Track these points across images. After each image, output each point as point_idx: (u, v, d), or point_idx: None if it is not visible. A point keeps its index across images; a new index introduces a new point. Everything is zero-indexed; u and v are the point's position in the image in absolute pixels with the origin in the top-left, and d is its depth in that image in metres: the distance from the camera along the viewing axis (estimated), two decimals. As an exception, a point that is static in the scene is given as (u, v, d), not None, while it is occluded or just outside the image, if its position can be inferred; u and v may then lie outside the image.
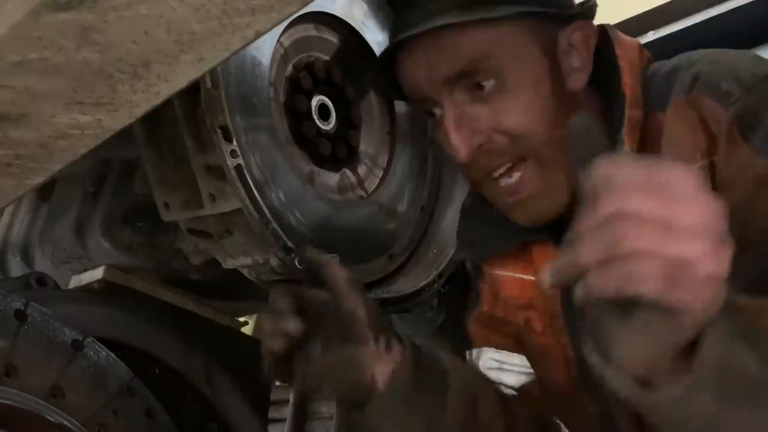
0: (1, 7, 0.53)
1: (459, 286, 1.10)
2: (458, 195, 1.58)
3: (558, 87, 0.90)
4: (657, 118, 0.89)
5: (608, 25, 0.98)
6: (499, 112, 0.88)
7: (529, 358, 1.03)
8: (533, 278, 1.00)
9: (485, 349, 1.06)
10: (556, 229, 0.91)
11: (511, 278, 1.04)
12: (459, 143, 0.89)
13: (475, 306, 1.10)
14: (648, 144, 0.89)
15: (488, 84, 0.88)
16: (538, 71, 0.89)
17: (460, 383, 0.91)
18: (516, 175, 0.90)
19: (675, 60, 0.94)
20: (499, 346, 1.05)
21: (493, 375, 1.03)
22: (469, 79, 0.88)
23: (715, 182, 0.81)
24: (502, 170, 0.91)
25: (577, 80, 0.93)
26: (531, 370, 1.03)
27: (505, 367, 1.03)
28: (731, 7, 1.51)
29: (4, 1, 0.53)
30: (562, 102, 0.90)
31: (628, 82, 0.91)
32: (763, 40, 1.48)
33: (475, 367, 1.03)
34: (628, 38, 0.97)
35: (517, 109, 0.88)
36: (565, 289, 0.92)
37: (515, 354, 1.04)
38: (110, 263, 1.34)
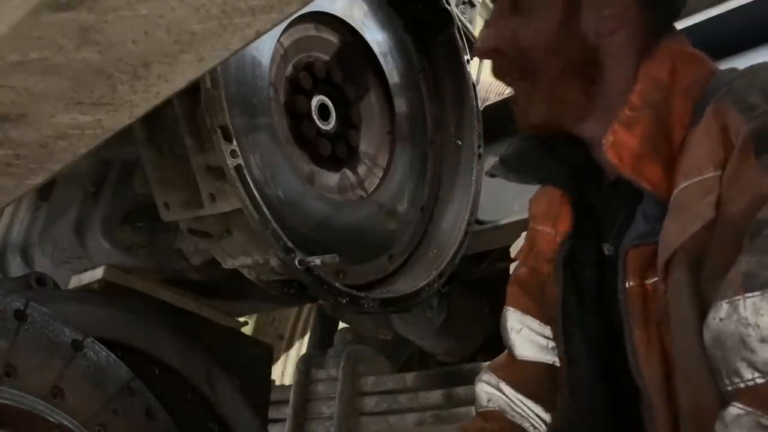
0: (1, 7, 0.53)
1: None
2: (458, 195, 1.58)
3: (571, 21, 1.00)
4: (693, 130, 0.90)
5: (672, 42, 0.99)
6: (520, 26, 1.02)
7: (546, 312, 1.14)
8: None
9: (511, 310, 1.18)
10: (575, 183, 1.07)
11: (544, 233, 1.15)
12: (480, 37, 1.07)
13: (518, 268, 1.22)
14: (678, 155, 0.91)
15: (521, 1, 1.03)
16: (556, 1, 1.01)
17: None
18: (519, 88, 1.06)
19: (739, 71, 0.95)
20: (525, 310, 1.17)
21: (513, 336, 1.16)
22: None
23: (720, 194, 0.81)
24: (508, 80, 1.07)
25: (602, 28, 0.99)
26: (545, 337, 1.14)
27: (524, 331, 1.15)
28: (731, 7, 1.51)
29: (4, 1, 0.53)
30: (571, 37, 1.00)
31: (640, 89, 0.94)
32: (764, 40, 1.48)
33: None
34: (665, 59, 0.97)
35: (529, 27, 1.01)
36: (562, 241, 1.06)
37: (535, 319, 1.16)
38: (110, 263, 1.34)
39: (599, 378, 1.01)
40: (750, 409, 0.72)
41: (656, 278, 0.87)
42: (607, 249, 1.00)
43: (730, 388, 0.75)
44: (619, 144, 0.91)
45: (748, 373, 0.73)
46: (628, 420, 0.97)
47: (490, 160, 1.81)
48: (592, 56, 1.00)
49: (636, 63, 0.98)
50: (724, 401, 0.76)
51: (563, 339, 1.06)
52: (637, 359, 0.87)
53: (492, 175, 1.14)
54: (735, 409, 0.73)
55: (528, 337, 1.15)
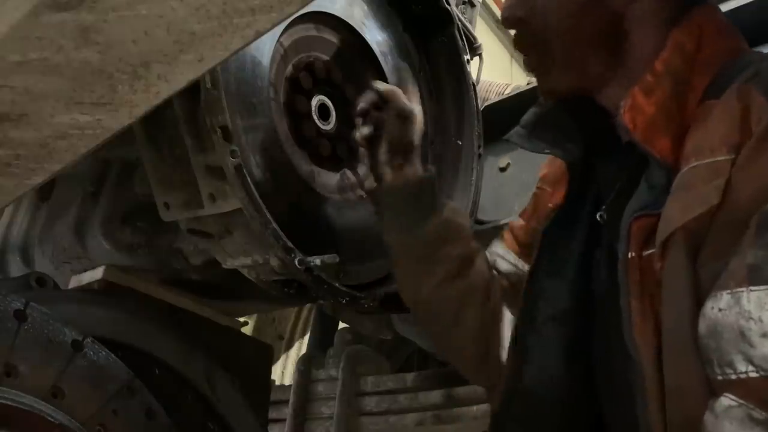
0: (1, 7, 0.53)
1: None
2: (458, 195, 1.58)
3: None
4: (710, 104, 0.89)
5: (704, 12, 0.98)
6: None
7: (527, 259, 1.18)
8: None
9: (496, 243, 1.26)
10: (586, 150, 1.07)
11: (547, 192, 1.18)
12: (505, 6, 1.07)
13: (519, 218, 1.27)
14: (689, 128, 0.90)
15: None
16: None
17: (448, 220, 1.19)
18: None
19: (760, 54, 0.95)
20: (509, 247, 1.24)
21: (497, 258, 1.23)
22: None
23: (729, 179, 0.80)
24: (528, 50, 1.06)
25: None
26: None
27: (509, 262, 1.22)
28: (731, 7, 1.51)
29: (4, 1, 0.53)
30: (596, 6, 0.98)
31: (666, 56, 0.93)
32: (763, 40, 1.48)
33: (468, 224, 1.26)
34: (693, 29, 0.96)
35: None
36: (550, 213, 1.09)
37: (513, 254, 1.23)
38: (110, 263, 1.34)
39: (562, 351, 1.01)
40: (742, 401, 0.72)
41: (652, 250, 0.86)
42: (599, 216, 0.99)
43: (720, 378, 0.75)
44: (635, 109, 0.90)
45: (742, 366, 0.73)
46: (606, 394, 0.97)
47: (491, 160, 1.82)
48: (616, 25, 0.99)
49: (663, 31, 0.96)
50: (713, 390, 0.76)
51: (523, 307, 1.07)
52: (632, 330, 0.86)
53: (505, 138, 1.15)
54: (727, 400, 0.73)
55: (507, 260, 1.22)
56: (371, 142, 1.22)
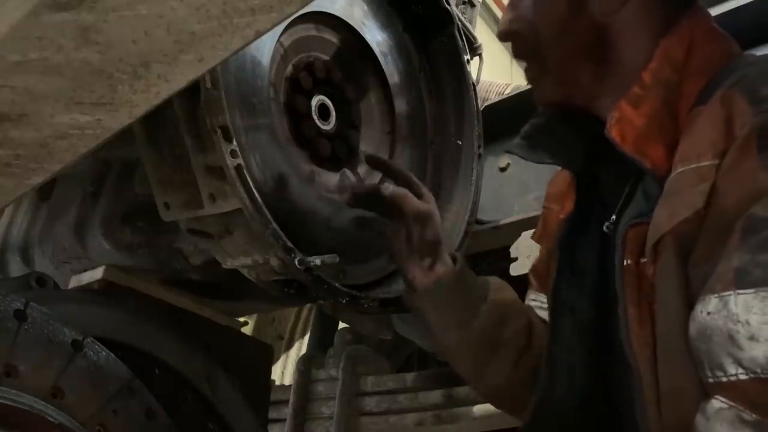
0: (1, 7, 0.53)
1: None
2: (458, 195, 1.58)
3: (578, 2, 1.00)
4: (698, 110, 0.89)
5: (694, 19, 0.98)
6: (533, 8, 1.04)
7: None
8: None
9: (530, 291, 1.25)
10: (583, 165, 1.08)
11: (553, 211, 1.17)
12: (501, 20, 1.09)
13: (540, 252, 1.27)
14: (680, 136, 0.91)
15: None
16: None
17: (497, 300, 1.15)
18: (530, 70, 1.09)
19: (752, 58, 0.96)
20: (537, 289, 1.24)
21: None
22: None
23: (715, 183, 0.81)
24: (524, 60, 1.08)
25: (607, 5, 0.99)
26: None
27: (543, 306, 1.20)
28: (731, 7, 1.51)
29: (4, 1, 0.53)
30: (580, 18, 1.00)
31: (654, 67, 0.94)
32: (763, 40, 1.47)
33: (515, 295, 1.23)
34: (683, 37, 0.96)
35: (540, 6, 1.03)
36: (561, 222, 1.09)
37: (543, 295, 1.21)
38: (110, 263, 1.34)
39: (587, 362, 1.02)
40: (732, 404, 0.73)
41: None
42: (606, 227, 1.00)
43: (711, 381, 0.76)
44: (623, 121, 0.91)
45: (731, 368, 0.73)
46: (616, 401, 0.97)
47: (491, 160, 1.82)
48: (602, 37, 0.99)
49: (652, 41, 0.97)
50: (705, 393, 0.77)
51: (551, 322, 1.08)
52: (629, 337, 0.87)
53: (506, 150, 1.14)
54: (717, 403, 0.74)
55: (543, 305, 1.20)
56: (393, 239, 1.17)
